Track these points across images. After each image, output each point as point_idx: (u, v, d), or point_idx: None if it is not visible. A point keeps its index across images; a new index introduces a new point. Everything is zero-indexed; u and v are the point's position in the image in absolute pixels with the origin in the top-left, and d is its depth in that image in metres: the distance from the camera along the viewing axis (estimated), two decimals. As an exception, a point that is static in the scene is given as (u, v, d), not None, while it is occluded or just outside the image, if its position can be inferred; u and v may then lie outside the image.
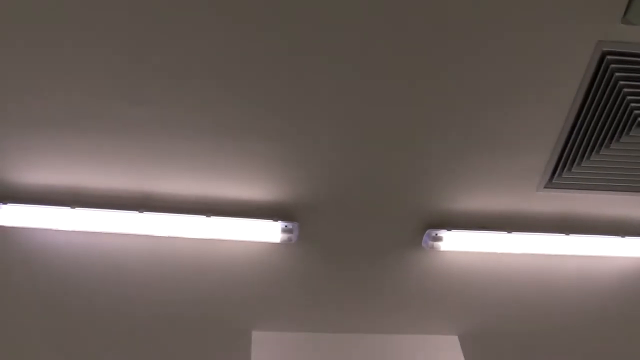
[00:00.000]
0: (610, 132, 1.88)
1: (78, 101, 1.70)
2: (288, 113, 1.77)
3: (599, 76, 1.76)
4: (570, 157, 1.96)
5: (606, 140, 1.90)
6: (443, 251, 2.23)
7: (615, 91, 1.78)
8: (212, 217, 1.99)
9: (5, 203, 1.90)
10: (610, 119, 1.85)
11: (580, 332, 2.69)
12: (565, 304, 2.54)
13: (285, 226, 2.02)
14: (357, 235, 2.16)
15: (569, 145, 1.93)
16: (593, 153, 1.94)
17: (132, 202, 1.99)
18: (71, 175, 1.90)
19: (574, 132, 1.90)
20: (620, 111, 1.82)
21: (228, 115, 1.77)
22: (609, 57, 1.72)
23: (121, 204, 1.98)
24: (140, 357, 2.63)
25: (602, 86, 1.78)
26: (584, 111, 1.84)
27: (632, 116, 1.81)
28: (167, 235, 2.05)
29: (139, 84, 1.67)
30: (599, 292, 2.50)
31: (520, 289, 2.44)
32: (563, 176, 2.01)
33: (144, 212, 1.96)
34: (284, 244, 2.14)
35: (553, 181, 2.03)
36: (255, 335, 2.50)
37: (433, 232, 2.10)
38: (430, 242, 2.12)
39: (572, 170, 1.99)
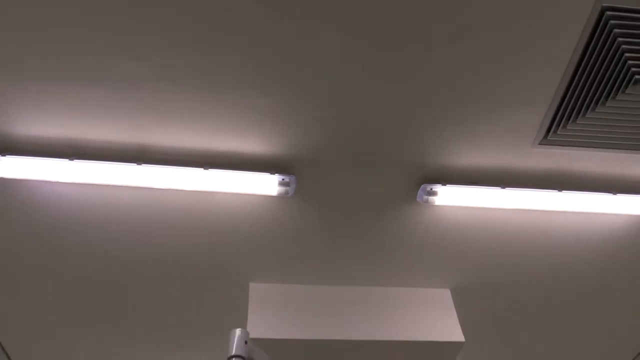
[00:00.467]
0: (607, 89, 1.88)
1: (77, 55, 1.69)
2: (287, 67, 1.77)
3: (597, 32, 1.75)
4: (566, 114, 1.97)
5: (602, 98, 1.90)
6: (437, 206, 2.26)
7: (613, 48, 1.77)
8: (209, 169, 2.00)
9: (4, 155, 1.91)
10: (607, 76, 1.84)
11: (570, 287, 2.74)
12: (557, 260, 2.59)
13: (282, 179, 2.04)
14: (353, 189, 2.18)
15: (565, 102, 1.94)
16: (589, 110, 1.94)
17: (130, 154, 2.00)
18: (70, 127, 1.91)
19: (571, 89, 1.90)
20: (618, 68, 1.81)
21: (226, 69, 1.76)
22: (608, 12, 1.71)
23: (119, 156, 2.00)
24: (139, 310, 2.69)
25: (600, 43, 1.77)
26: (581, 68, 1.84)
27: (630, 74, 1.81)
28: (164, 188, 2.07)
29: (137, 39, 1.66)
30: (590, 248, 2.54)
31: (513, 244, 2.48)
32: (558, 133, 2.02)
33: (142, 165, 1.98)
34: (280, 197, 2.17)
35: (548, 138, 2.04)
36: (253, 286, 2.54)
37: (428, 187, 2.12)
38: (425, 197, 2.15)
39: (568, 127, 2.00)
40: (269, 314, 2.40)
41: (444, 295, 2.64)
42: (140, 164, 1.98)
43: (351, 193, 2.20)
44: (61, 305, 2.65)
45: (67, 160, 1.95)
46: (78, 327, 2.79)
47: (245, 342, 1.74)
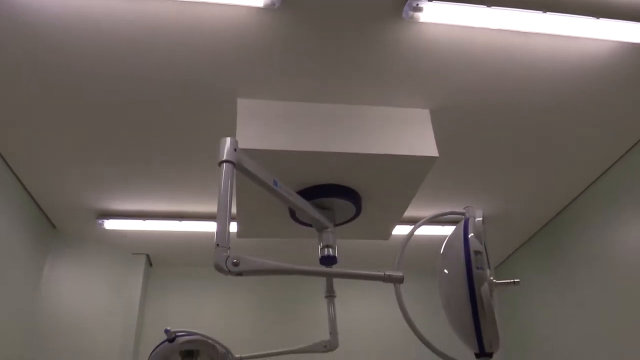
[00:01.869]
0: None
1: None
2: None
3: None
4: None
5: None
6: (422, 23, 2.26)
7: None
8: (195, -23, 1.97)
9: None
10: None
11: (549, 109, 2.84)
12: (537, 83, 2.66)
13: (269, -11, 2.02)
14: (339, 3, 2.17)
15: None
16: None
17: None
18: None
19: None
20: None
21: None
22: None
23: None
24: (125, 119, 2.78)
25: None
26: None
27: None
28: (151, -4, 2.05)
29: None
30: (570, 72, 2.60)
31: (494, 66, 2.53)
32: (550, -51, 1.98)
33: (126, -29, 1.93)
34: (267, 9, 2.15)
35: (539, -46, 2.01)
36: (241, 102, 2.62)
37: (414, 2, 2.11)
38: (411, 13, 2.15)
39: (560, -57, 1.96)
40: (256, 127, 2.51)
41: (423, 115, 2.75)
42: (123, -30, 1.93)
43: (338, 6, 2.18)
44: (46, 117, 2.72)
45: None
46: (68, 142, 2.90)
47: (235, 150, 1.86)
